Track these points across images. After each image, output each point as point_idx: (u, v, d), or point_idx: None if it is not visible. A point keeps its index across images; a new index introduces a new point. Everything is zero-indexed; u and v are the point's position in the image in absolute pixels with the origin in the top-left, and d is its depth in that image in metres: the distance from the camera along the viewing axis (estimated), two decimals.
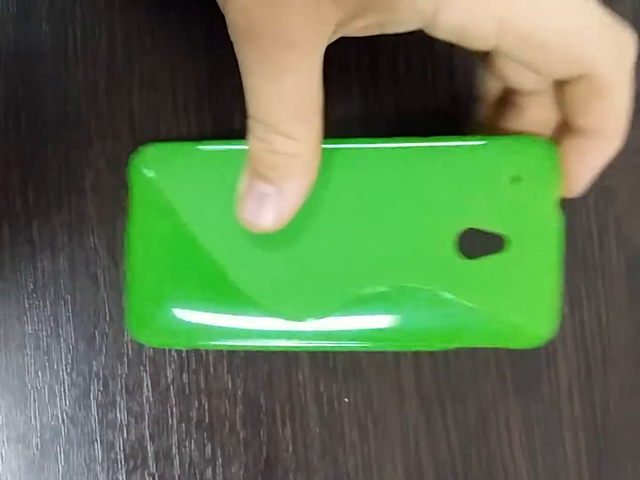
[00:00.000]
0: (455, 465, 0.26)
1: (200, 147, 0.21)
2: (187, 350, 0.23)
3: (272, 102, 0.19)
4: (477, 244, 0.21)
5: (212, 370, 0.24)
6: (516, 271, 0.21)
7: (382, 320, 0.22)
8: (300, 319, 0.21)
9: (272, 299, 0.21)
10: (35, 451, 0.22)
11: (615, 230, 0.27)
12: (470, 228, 0.21)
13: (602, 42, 0.20)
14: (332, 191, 0.21)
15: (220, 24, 0.18)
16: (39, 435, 0.22)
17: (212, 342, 0.21)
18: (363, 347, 0.22)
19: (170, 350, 0.23)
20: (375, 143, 0.21)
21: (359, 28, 0.19)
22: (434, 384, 0.26)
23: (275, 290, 0.21)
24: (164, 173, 0.21)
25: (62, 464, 0.22)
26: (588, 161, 0.22)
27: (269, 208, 0.20)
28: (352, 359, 0.25)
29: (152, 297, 0.21)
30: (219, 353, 0.24)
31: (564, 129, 0.22)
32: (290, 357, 0.24)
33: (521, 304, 0.22)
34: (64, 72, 0.22)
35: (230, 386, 0.24)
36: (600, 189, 0.27)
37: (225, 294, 0.21)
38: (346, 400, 0.25)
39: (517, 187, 0.21)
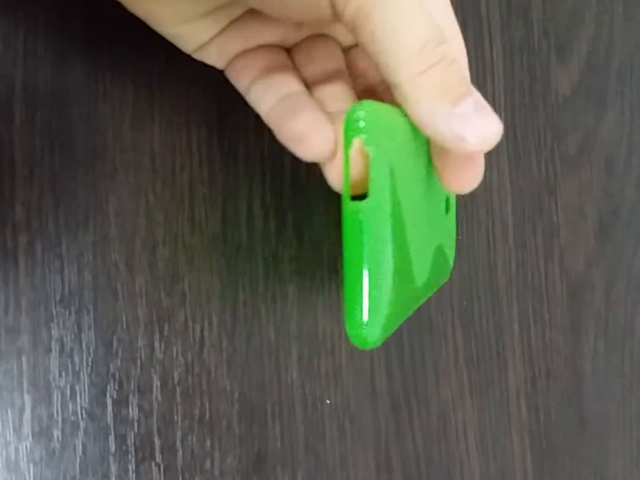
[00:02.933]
0: (419, 461, 0.30)
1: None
2: (192, 356, 0.27)
3: (427, 8, 0.18)
4: None
5: (213, 374, 0.27)
6: None
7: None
8: None
9: None
10: (56, 443, 0.25)
11: (558, 261, 0.32)
12: None
13: None
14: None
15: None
16: (60, 429, 0.25)
17: None
18: None
19: (177, 356, 0.27)
20: None
21: None
22: (402, 389, 0.30)
23: None
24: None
25: (80, 454, 0.25)
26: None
27: (488, 109, 0.18)
28: (333, 366, 0.29)
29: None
30: (220, 359, 0.27)
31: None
32: (281, 364, 0.28)
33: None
34: (94, 109, 0.26)
35: (228, 388, 0.27)
36: (548, 225, 0.32)
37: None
38: (327, 401, 0.29)
39: None
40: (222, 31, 0.23)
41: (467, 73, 0.21)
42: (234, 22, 0.23)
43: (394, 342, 0.30)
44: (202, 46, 0.23)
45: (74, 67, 0.25)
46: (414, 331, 0.30)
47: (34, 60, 0.25)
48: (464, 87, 0.18)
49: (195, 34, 0.23)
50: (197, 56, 0.24)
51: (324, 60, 0.23)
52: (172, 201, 0.27)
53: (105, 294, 0.26)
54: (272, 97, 0.22)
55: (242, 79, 0.23)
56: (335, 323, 0.29)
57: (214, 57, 0.24)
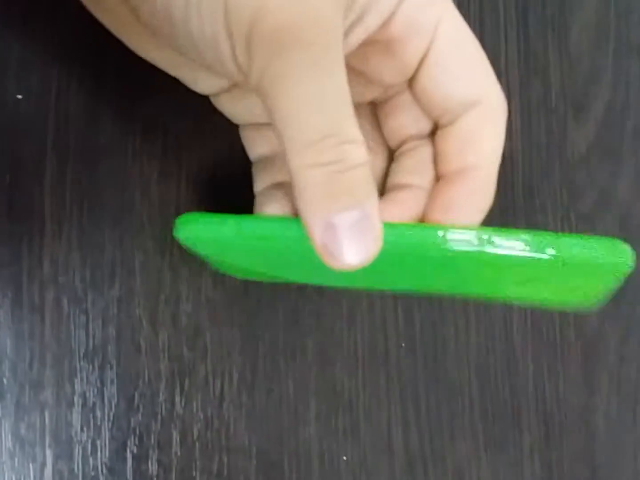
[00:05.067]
0: None
1: None
2: (211, 411, 0.27)
3: (332, 103, 0.16)
4: None
5: (232, 429, 0.27)
6: None
7: None
8: None
9: None
10: None
11: (574, 320, 0.32)
12: None
13: (492, 77, 0.21)
14: None
15: None
16: None
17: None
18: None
19: (197, 411, 0.27)
20: None
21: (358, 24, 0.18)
22: (418, 445, 0.30)
23: None
24: None
25: None
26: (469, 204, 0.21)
27: (367, 234, 0.17)
28: (351, 421, 0.29)
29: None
30: (239, 414, 0.27)
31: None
32: (299, 419, 0.28)
33: None
34: (123, 166, 0.26)
35: (246, 443, 0.27)
36: None
37: None
38: (344, 458, 0.29)
39: None
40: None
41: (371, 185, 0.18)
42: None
43: (411, 398, 0.30)
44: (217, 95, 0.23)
45: (105, 125, 0.26)
46: (431, 388, 0.30)
47: (66, 117, 0.25)
48: (354, 198, 0.16)
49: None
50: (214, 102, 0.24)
51: None
52: (196, 256, 0.27)
53: (129, 348, 0.26)
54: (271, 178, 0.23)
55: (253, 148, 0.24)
56: (354, 378, 0.29)
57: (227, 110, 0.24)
